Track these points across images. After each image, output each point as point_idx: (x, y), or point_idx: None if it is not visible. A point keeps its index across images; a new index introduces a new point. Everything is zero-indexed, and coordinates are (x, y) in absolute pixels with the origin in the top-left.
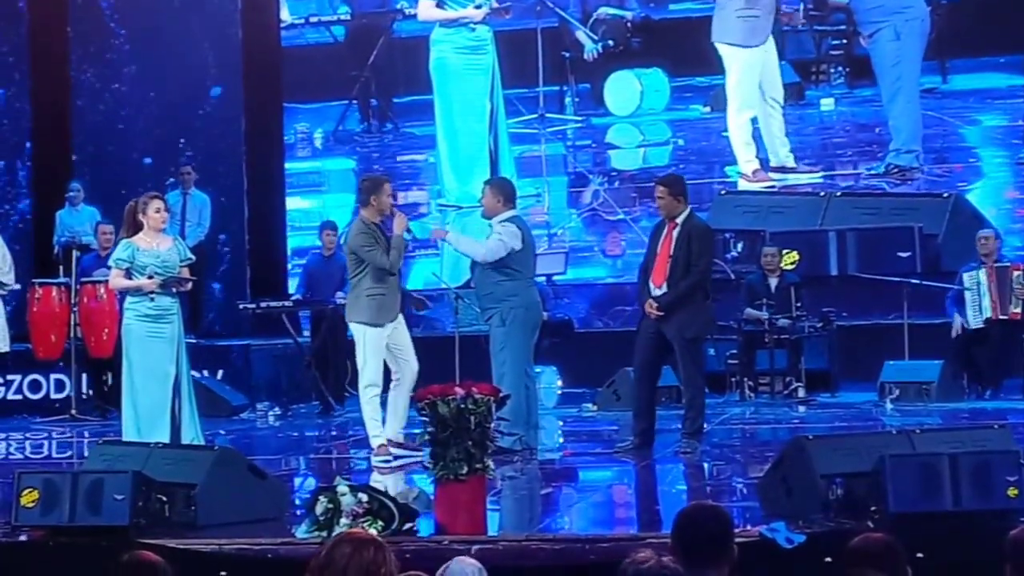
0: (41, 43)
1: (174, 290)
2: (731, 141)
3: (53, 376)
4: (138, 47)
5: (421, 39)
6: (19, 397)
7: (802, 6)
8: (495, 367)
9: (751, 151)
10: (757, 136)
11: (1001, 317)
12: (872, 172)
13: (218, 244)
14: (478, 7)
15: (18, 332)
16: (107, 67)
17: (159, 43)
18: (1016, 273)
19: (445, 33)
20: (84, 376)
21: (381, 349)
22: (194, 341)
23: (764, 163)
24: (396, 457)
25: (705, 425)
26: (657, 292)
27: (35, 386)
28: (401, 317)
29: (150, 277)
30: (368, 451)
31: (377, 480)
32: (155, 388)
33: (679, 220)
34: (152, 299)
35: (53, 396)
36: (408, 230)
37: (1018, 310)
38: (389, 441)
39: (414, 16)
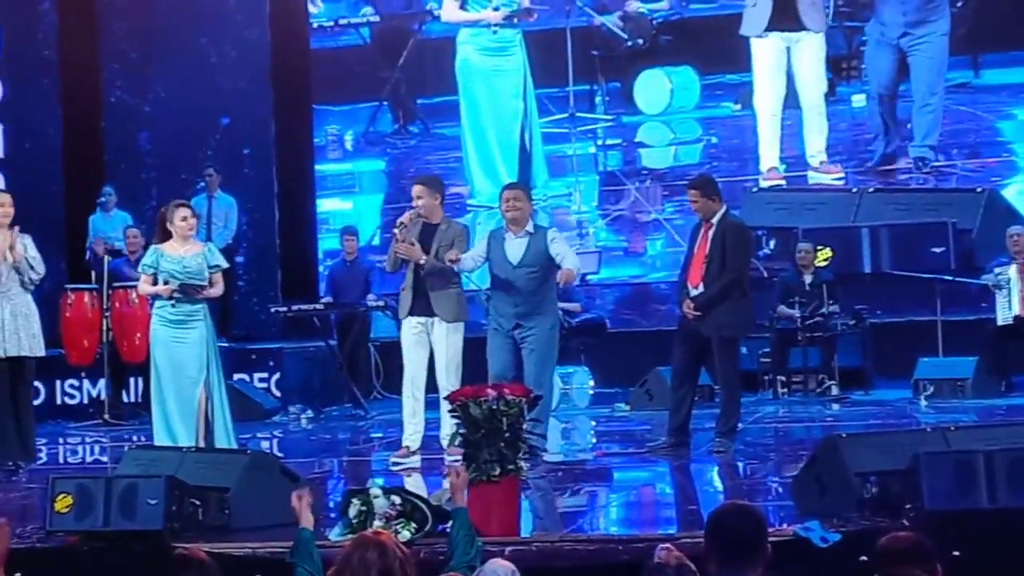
0: (71, 47)
1: (196, 296)
2: None
3: (86, 381)
4: (168, 51)
5: (450, 40)
6: (52, 402)
7: (832, 3)
8: (539, 370)
9: (769, 148)
10: (792, 132)
11: None
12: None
13: (248, 247)
14: (496, 9)
15: (51, 337)
16: (137, 71)
17: (189, 47)
18: None
19: (470, 34)
20: (117, 381)
21: (405, 345)
22: (225, 345)
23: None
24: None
25: (739, 424)
26: (694, 292)
27: (68, 391)
28: (438, 321)
29: (166, 283)
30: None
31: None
32: (181, 392)
33: (715, 220)
34: (173, 304)
35: (86, 401)
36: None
37: None
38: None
39: (441, 17)
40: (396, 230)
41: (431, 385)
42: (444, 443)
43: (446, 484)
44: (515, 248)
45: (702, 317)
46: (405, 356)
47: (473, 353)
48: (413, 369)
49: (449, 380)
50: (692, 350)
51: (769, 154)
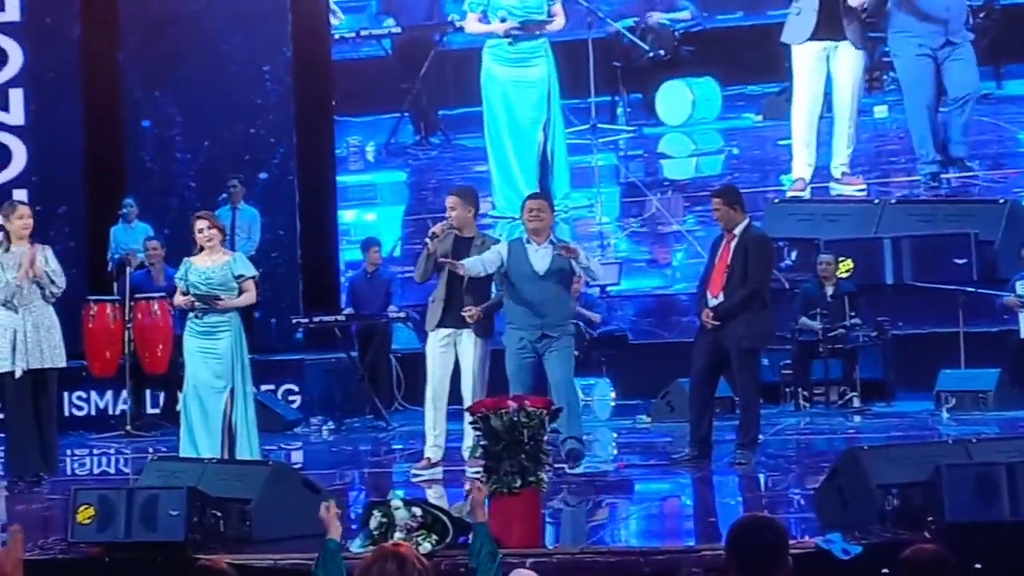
0: (93, 60)
1: (215, 306)
2: None
3: (108, 392)
4: (189, 63)
5: (471, 51)
6: (74, 413)
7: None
8: (566, 371)
9: (800, 157)
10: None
11: None
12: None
13: (270, 258)
14: (502, 20)
15: (73, 349)
16: (159, 83)
17: (211, 58)
18: None
19: (492, 45)
20: (139, 392)
21: (430, 356)
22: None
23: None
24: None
25: (760, 436)
26: (714, 302)
27: (90, 402)
28: (467, 335)
29: (184, 294)
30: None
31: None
32: (205, 402)
33: (737, 231)
34: (198, 316)
35: (108, 412)
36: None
37: None
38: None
39: (464, 28)
40: (428, 240)
41: (454, 397)
42: (466, 455)
43: (466, 494)
44: (540, 258)
45: (721, 328)
46: (430, 367)
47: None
48: (437, 380)
49: (475, 393)
50: (711, 361)
51: (801, 163)
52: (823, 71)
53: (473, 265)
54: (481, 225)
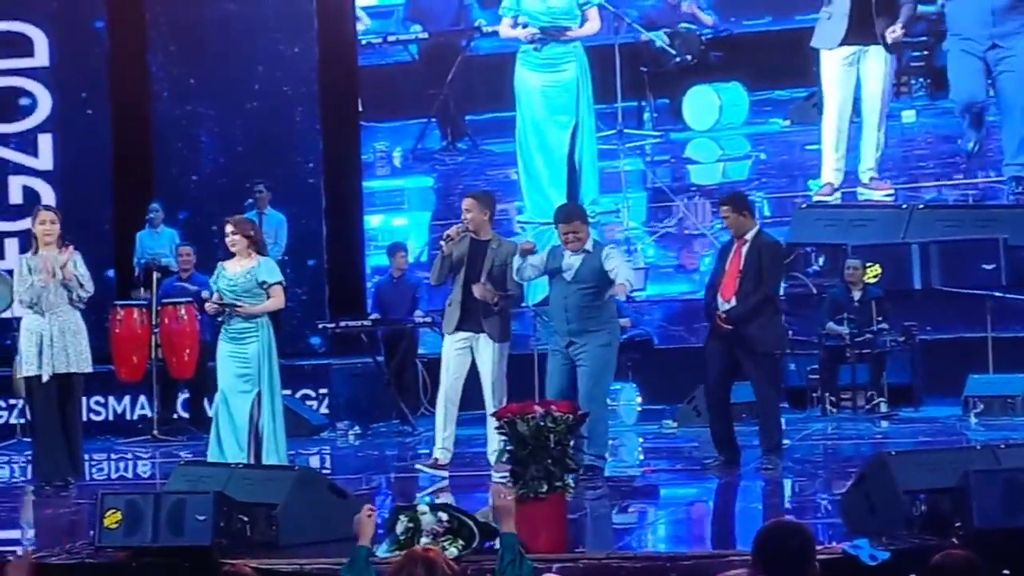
0: (121, 64)
1: (237, 313)
2: None
3: (135, 397)
4: (216, 68)
5: (499, 56)
6: (101, 418)
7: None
8: (592, 385)
9: (829, 162)
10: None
11: None
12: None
13: (297, 264)
14: (524, 27)
15: (100, 354)
16: (186, 89)
17: (237, 64)
18: None
19: (523, 51)
20: (166, 397)
21: (445, 358)
22: None
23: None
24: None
25: (786, 441)
26: (726, 306)
27: (117, 407)
28: (485, 339)
29: (206, 299)
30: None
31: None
32: (231, 407)
33: (748, 237)
34: (224, 321)
35: (135, 417)
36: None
37: None
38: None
39: (491, 34)
40: (443, 242)
41: (474, 402)
42: (492, 459)
43: (491, 502)
44: (571, 264)
45: (734, 334)
46: (444, 368)
47: (518, 370)
48: (450, 382)
49: (495, 398)
50: (723, 366)
51: (829, 168)
52: (853, 75)
53: (524, 269)
54: (509, 231)
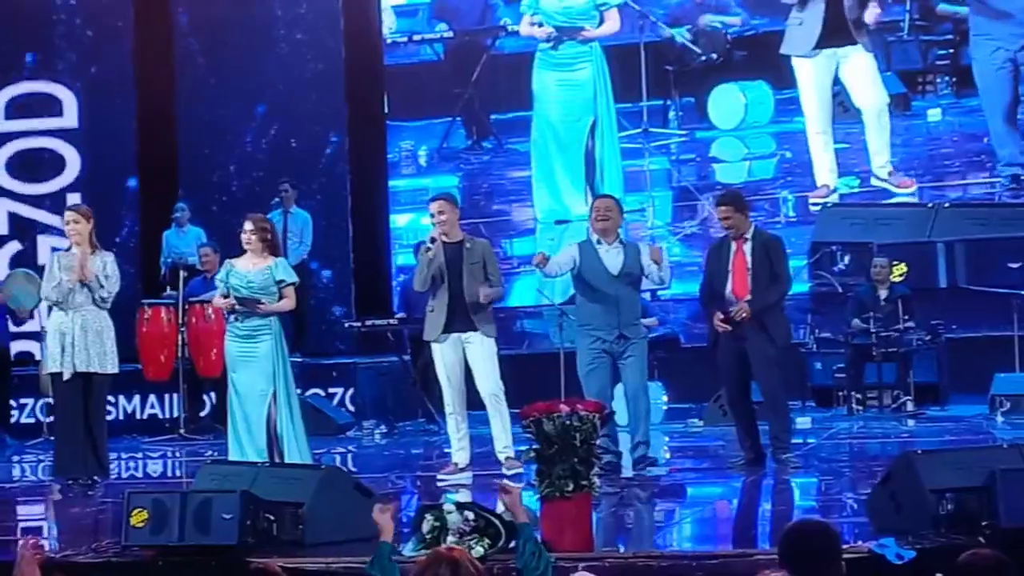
0: (146, 64)
1: (257, 310)
2: None
3: (162, 396)
4: (242, 67)
5: (524, 55)
6: (128, 417)
7: (908, 16)
8: (642, 378)
9: (821, 164)
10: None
11: None
12: None
13: (323, 262)
14: (540, 25)
15: (127, 353)
16: (211, 87)
17: (263, 62)
18: None
19: (541, 50)
20: (193, 396)
21: (440, 364)
22: (299, 359)
23: (867, 176)
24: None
25: (811, 439)
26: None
27: (144, 406)
28: (478, 336)
29: (224, 296)
30: (476, 468)
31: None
32: (250, 407)
33: (748, 235)
34: (239, 320)
35: (162, 416)
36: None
37: None
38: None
39: (517, 32)
40: (429, 246)
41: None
42: (502, 457)
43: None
44: (613, 258)
45: (743, 337)
46: (443, 375)
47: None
48: (454, 387)
49: (492, 391)
50: (740, 369)
51: (822, 171)
52: (830, 75)
53: (549, 268)
54: (527, 230)
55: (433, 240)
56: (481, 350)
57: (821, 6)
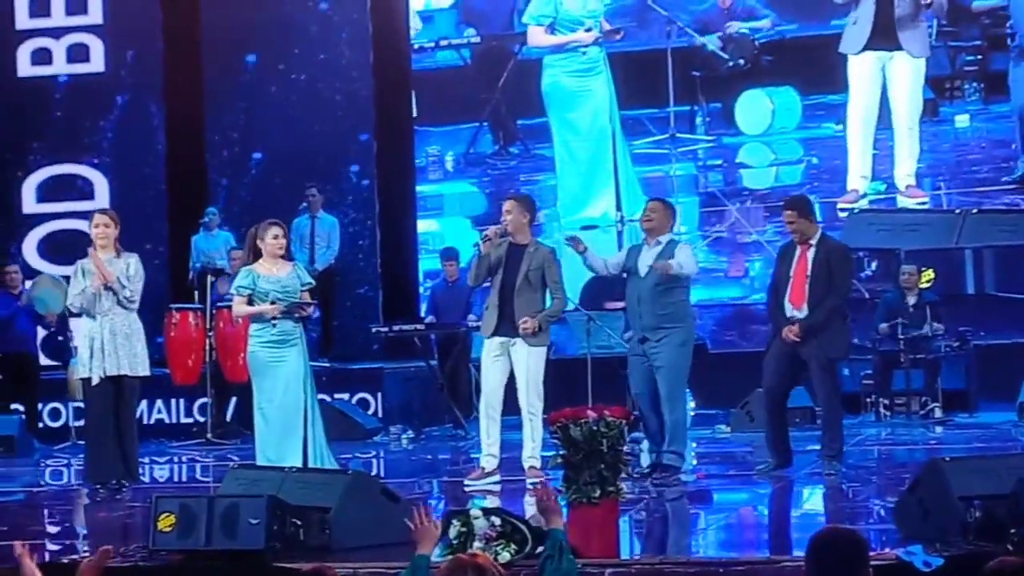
0: (176, 68)
1: (296, 316)
2: None
3: (190, 401)
4: (271, 72)
5: None
6: (156, 421)
7: (935, 22)
8: (670, 387)
9: (855, 168)
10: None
11: None
12: None
13: (350, 267)
14: (588, 30)
15: (155, 357)
16: (240, 92)
17: (291, 67)
18: None
19: (557, 57)
20: (220, 400)
21: (484, 364)
22: (327, 365)
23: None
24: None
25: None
26: (797, 314)
27: (172, 410)
28: (523, 344)
29: (272, 303)
30: (503, 473)
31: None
32: (284, 413)
33: (813, 241)
34: (274, 325)
35: (189, 420)
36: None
37: None
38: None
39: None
40: (481, 242)
41: (510, 406)
42: (526, 465)
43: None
44: (646, 259)
45: (803, 339)
46: (484, 375)
47: (570, 375)
48: (490, 389)
49: (530, 401)
50: (786, 374)
51: (854, 176)
52: (879, 81)
53: (596, 263)
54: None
55: (486, 238)
56: (525, 360)
57: (872, 5)
